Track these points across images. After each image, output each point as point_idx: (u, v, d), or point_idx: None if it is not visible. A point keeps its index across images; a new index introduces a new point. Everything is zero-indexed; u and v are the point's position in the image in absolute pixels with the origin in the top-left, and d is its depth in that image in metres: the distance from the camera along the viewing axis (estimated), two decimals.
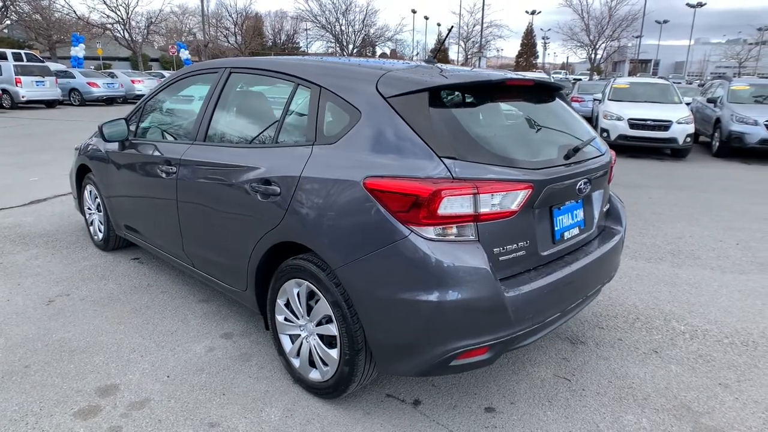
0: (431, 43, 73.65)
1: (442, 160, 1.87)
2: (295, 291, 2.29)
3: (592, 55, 34.07)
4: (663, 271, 4.00)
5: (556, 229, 2.20)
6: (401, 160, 1.92)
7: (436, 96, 2.03)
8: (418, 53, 67.66)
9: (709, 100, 10.80)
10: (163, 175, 3.02)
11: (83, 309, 3.18)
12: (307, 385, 2.35)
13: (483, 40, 36.15)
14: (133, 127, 3.49)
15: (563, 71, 52.23)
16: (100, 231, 4.16)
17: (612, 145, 8.93)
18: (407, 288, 1.86)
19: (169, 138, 3.27)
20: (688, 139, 9.33)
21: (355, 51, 38.59)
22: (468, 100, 2.17)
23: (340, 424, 2.18)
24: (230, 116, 2.82)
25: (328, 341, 2.22)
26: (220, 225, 2.63)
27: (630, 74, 46.55)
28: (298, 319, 2.34)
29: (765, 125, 9.14)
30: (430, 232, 1.85)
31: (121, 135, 3.40)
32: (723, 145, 9.76)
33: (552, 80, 2.68)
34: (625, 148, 9.95)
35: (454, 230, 1.87)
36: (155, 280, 3.64)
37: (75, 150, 4.49)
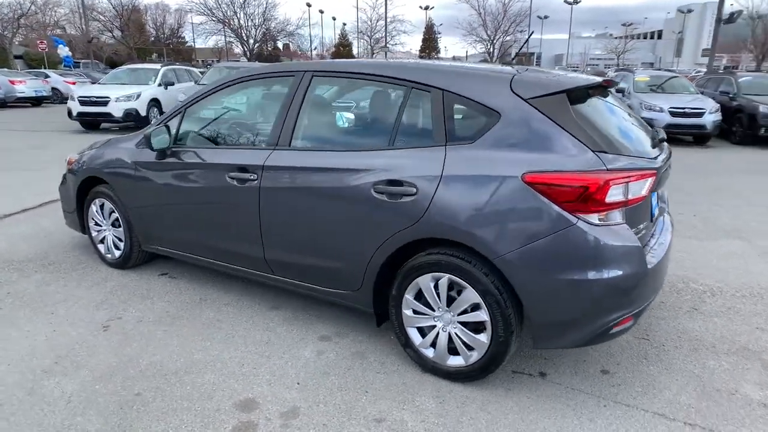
0: (328, 37, 73.31)
1: (596, 154, 2.11)
2: (431, 284, 2.42)
3: (491, 50, 36.31)
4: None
5: (652, 209, 2.54)
6: (558, 156, 2.13)
7: (569, 96, 2.26)
8: (316, 47, 67.26)
9: (618, 90, 12.15)
10: (235, 183, 2.94)
11: (150, 330, 3.00)
12: (444, 372, 2.49)
13: (387, 35, 36.96)
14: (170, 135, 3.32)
15: None
16: (116, 248, 3.87)
17: None
18: (578, 269, 2.08)
19: (227, 144, 3.17)
20: None
21: (256, 46, 37.43)
22: (584, 100, 2.42)
23: (491, 402, 2.36)
24: (322, 121, 2.83)
25: (474, 327, 2.37)
26: (328, 229, 2.65)
27: None
28: (433, 311, 2.46)
29: (669, 112, 10.53)
30: (595, 218, 2.09)
31: (165, 143, 3.23)
32: None
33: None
34: None
35: (610, 215, 2.12)
36: (204, 294, 3.50)
37: (66, 164, 4.12)
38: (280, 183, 2.78)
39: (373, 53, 42.39)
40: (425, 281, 2.43)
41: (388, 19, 36.50)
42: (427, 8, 61.88)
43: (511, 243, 2.15)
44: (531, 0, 37.43)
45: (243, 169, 2.92)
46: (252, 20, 36.90)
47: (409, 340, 2.57)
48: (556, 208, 2.09)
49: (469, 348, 2.40)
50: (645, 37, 74.95)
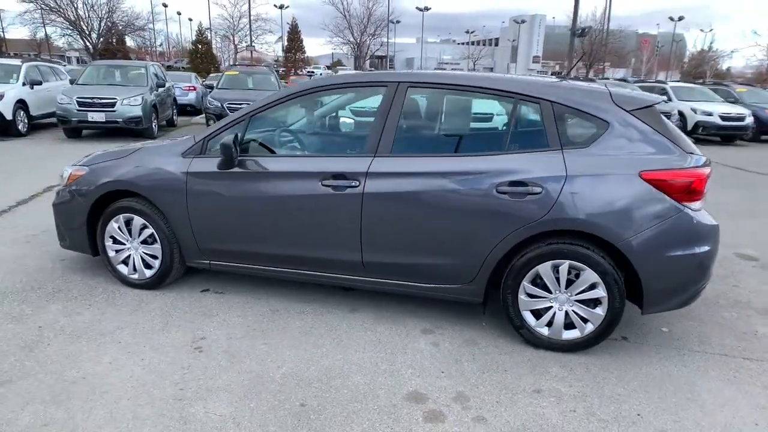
0: (173, 32, 68.91)
1: (689, 155, 2.68)
2: (551, 270, 2.79)
3: (357, 52, 37.34)
4: None
5: None
6: (664, 156, 2.65)
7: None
8: (161, 43, 62.73)
9: None
10: (330, 190, 3.00)
11: (251, 346, 2.93)
12: (558, 345, 2.88)
13: (252, 34, 35.78)
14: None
15: (322, 67, 55.58)
16: (147, 267, 3.56)
17: None
18: (685, 246, 2.63)
19: (308, 152, 3.18)
20: None
21: (101, 40, 33.51)
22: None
23: (608, 364, 2.81)
24: (423, 128, 3.01)
25: (590, 304, 2.80)
26: (443, 229, 2.87)
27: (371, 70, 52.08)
28: (550, 293, 2.84)
29: None
30: (693, 206, 2.65)
31: (234, 153, 3.13)
32: None
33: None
34: None
35: (698, 203, 2.70)
36: (270, 305, 3.43)
37: (66, 179, 3.69)
38: (388, 188, 2.92)
39: (237, 52, 40.79)
40: (545, 268, 2.79)
41: (252, 18, 35.41)
42: (281, 7, 61.28)
43: (632, 229, 2.62)
44: (389, 5, 39.34)
45: (340, 176, 2.99)
46: (95, 11, 32.95)
47: (524, 322, 2.91)
48: (669, 198, 2.61)
49: (585, 321, 2.82)
50: (484, 44, 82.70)
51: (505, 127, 2.87)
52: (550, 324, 2.88)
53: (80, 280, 3.76)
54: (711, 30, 72.80)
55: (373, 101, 3.14)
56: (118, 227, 3.55)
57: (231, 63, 37.33)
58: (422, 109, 3.13)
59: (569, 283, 2.81)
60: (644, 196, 2.62)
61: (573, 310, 2.83)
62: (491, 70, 65.25)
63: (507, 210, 2.76)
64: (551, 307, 2.87)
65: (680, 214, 2.62)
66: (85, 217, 3.59)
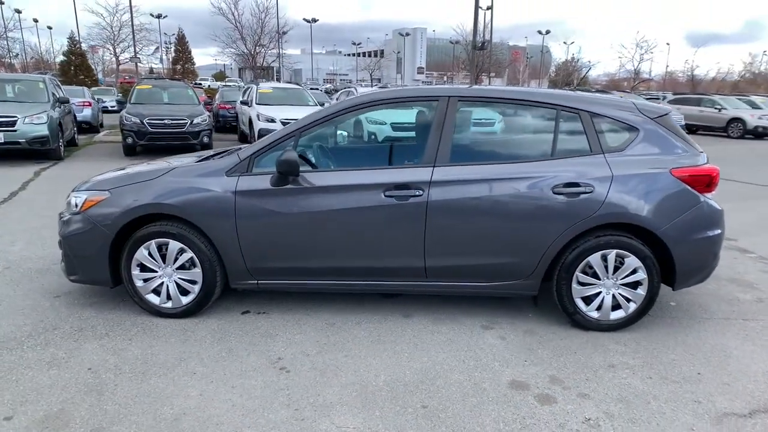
0: (30, 40, 62.34)
1: (701, 154, 3.21)
2: (600, 259, 3.16)
3: (253, 63, 36.42)
4: None
5: None
6: (685, 156, 3.15)
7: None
8: (17, 54, 56.18)
9: None
10: (394, 200, 3.12)
11: (333, 359, 2.94)
12: (606, 326, 3.26)
13: (136, 44, 33.13)
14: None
15: (209, 78, 53.35)
16: (183, 294, 3.38)
17: None
18: (707, 230, 3.14)
19: (363, 165, 3.26)
20: None
21: None
22: None
23: (651, 335, 3.25)
24: (478, 138, 3.24)
25: (632, 285, 3.21)
26: (506, 230, 3.13)
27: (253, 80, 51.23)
28: (599, 279, 3.21)
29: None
30: (709, 196, 3.18)
31: (297, 169, 3.13)
32: None
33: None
34: None
35: (712, 194, 3.24)
36: (323, 319, 3.43)
37: (80, 205, 3.38)
38: (451, 195, 3.11)
39: (119, 64, 37.68)
40: (595, 258, 3.16)
41: (136, 28, 32.82)
42: (159, 16, 57.84)
43: (667, 218, 3.08)
44: (278, 16, 38.86)
45: (403, 186, 3.12)
46: None
47: (577, 308, 3.25)
48: (694, 191, 3.11)
49: (629, 301, 3.23)
50: (369, 55, 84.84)
51: (551, 136, 3.20)
52: (599, 307, 3.26)
53: (97, 316, 3.45)
54: (572, 42, 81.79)
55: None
56: (148, 254, 3.33)
57: (115, 75, 34.23)
58: (473, 121, 3.36)
59: (615, 269, 3.20)
60: (676, 190, 3.10)
61: (619, 293, 3.23)
62: (379, 80, 67.00)
63: (564, 208, 3.08)
64: (600, 292, 3.24)
65: (702, 203, 3.13)
66: (108, 246, 3.31)
